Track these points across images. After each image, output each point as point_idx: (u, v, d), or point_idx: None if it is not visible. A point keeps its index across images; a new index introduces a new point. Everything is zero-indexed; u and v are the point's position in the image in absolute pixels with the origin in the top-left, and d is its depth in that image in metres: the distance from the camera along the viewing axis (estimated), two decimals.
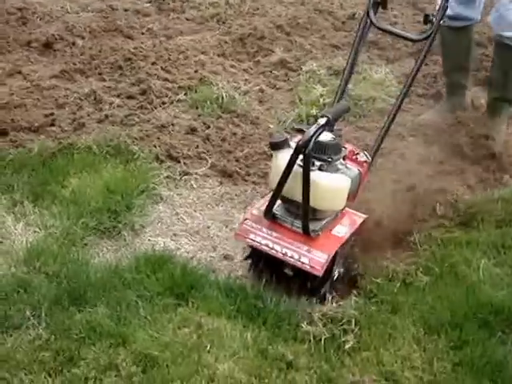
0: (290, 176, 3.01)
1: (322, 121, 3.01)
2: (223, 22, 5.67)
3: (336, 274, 3.22)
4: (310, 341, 2.94)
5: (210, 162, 4.06)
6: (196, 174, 3.98)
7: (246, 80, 4.87)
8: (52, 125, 4.22)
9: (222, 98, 4.54)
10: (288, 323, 3.02)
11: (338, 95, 3.53)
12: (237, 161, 4.09)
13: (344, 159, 3.28)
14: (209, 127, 4.32)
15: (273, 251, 3.14)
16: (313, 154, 3.02)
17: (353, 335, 2.97)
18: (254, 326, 2.99)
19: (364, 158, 3.37)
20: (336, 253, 3.14)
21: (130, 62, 4.92)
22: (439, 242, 3.49)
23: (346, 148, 3.31)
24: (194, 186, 3.92)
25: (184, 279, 3.16)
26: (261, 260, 3.29)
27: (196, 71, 4.87)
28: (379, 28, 3.64)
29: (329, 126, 3.05)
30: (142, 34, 5.42)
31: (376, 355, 2.91)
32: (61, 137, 4.11)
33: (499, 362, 2.89)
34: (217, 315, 3.02)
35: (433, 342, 2.98)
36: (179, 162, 4.03)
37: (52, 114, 4.31)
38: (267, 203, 3.16)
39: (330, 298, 3.18)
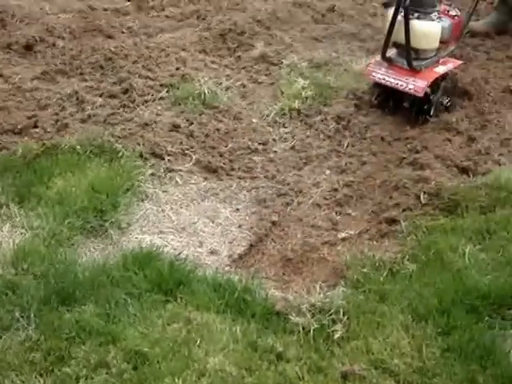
0: (396, 24, 4.16)
1: None
2: (203, 19, 5.66)
3: (440, 101, 4.39)
4: (299, 332, 2.96)
5: (194, 158, 4.07)
6: (180, 170, 3.99)
7: (227, 75, 4.87)
8: (35, 126, 4.21)
9: (204, 94, 4.54)
10: (277, 315, 3.04)
11: None
12: (221, 156, 4.10)
13: (438, 13, 4.36)
14: (192, 123, 4.32)
15: (388, 83, 4.34)
16: (412, 7, 4.15)
17: (341, 325, 2.98)
18: (243, 320, 3.00)
19: (455, 13, 4.47)
20: (434, 82, 4.29)
21: (111, 61, 4.91)
22: (424, 230, 3.50)
23: (441, 5, 4.43)
24: (179, 182, 3.92)
25: (172, 275, 3.17)
26: (384, 94, 4.49)
27: (177, 68, 4.87)
28: None
29: None
30: (123, 32, 5.41)
31: (365, 344, 2.92)
32: (44, 138, 4.10)
33: (487, 347, 2.90)
34: (205, 310, 3.03)
35: (421, 328, 2.99)
36: (163, 159, 4.03)
37: (35, 115, 4.30)
38: (382, 47, 4.33)
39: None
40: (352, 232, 3.60)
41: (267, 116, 4.48)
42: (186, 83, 4.67)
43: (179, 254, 3.41)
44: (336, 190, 3.90)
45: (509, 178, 3.82)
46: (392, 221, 3.63)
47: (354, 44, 5.36)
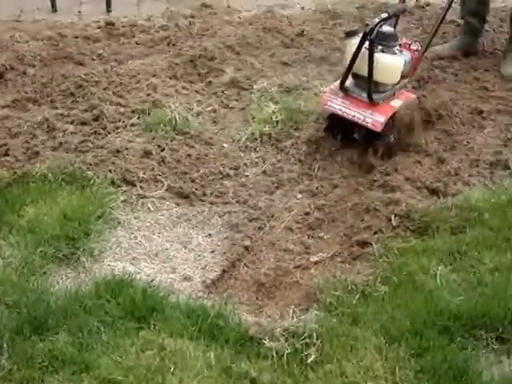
0: (359, 56, 4.10)
1: (384, 15, 4.12)
2: (173, 45, 5.68)
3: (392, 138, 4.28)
4: (272, 356, 2.96)
5: (166, 184, 4.07)
6: (152, 196, 3.99)
7: (198, 101, 4.89)
8: (6, 155, 4.20)
9: (176, 119, 4.56)
10: (250, 340, 3.04)
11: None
12: (193, 181, 4.11)
13: (400, 47, 4.33)
14: (163, 149, 4.33)
15: (345, 114, 4.23)
16: (376, 40, 4.09)
17: (315, 349, 3.00)
18: (217, 345, 3.01)
19: (416, 47, 4.42)
20: (392, 116, 4.20)
21: (81, 88, 4.90)
22: (396, 252, 3.53)
23: (401, 39, 4.37)
24: (151, 208, 3.92)
25: (145, 302, 3.17)
26: (337, 124, 4.37)
27: (148, 94, 4.88)
28: None
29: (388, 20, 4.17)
30: (93, 59, 5.41)
31: (339, 367, 2.93)
32: (15, 166, 4.09)
33: (460, 368, 2.92)
34: (179, 336, 3.02)
35: (394, 350, 3.01)
36: (135, 185, 4.03)
37: (5, 144, 4.29)
38: (341, 78, 4.25)
39: None
40: (324, 255, 3.62)
41: (238, 141, 4.50)
42: (157, 109, 4.68)
43: (152, 280, 3.41)
44: (308, 213, 3.92)
45: (478, 199, 3.87)
46: (364, 243, 3.65)
47: (324, 68, 5.39)
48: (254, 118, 4.70)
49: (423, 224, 3.70)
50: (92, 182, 3.97)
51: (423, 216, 3.72)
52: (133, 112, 4.68)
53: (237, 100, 4.97)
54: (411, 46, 4.43)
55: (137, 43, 5.75)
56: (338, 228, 3.82)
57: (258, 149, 4.45)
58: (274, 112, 4.64)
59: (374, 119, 4.15)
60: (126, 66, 5.30)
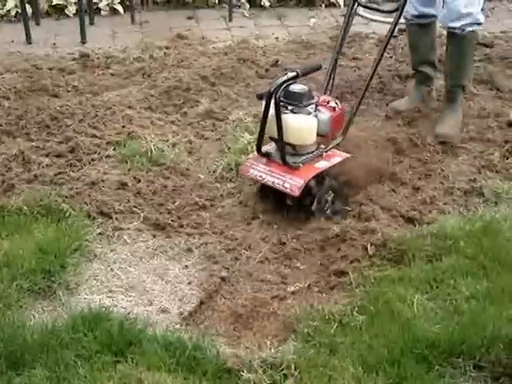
0: (270, 119, 3.86)
1: (291, 74, 3.91)
2: (148, 76, 5.70)
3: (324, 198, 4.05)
4: None
5: (142, 215, 4.07)
6: (129, 228, 3.98)
7: (174, 132, 4.90)
8: None
9: (151, 151, 4.57)
10: (228, 372, 3.03)
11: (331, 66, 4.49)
12: (169, 213, 4.11)
13: (317, 105, 4.08)
14: (139, 181, 4.33)
15: (265, 180, 4.01)
16: (286, 101, 3.94)
17: (293, 379, 2.99)
18: (195, 378, 2.99)
19: (334, 105, 4.18)
20: (313, 178, 3.96)
21: (56, 120, 4.90)
22: (373, 281, 3.54)
23: (318, 97, 4.13)
24: (128, 240, 3.92)
25: (122, 335, 3.15)
26: (268, 188, 4.07)
27: (124, 126, 4.89)
28: (360, 4, 4.61)
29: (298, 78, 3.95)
30: (68, 91, 5.41)
31: None
32: None
33: None
34: (157, 369, 3.00)
35: (372, 380, 3.00)
36: (111, 217, 4.03)
37: None
38: (256, 143, 4.03)
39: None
40: (301, 285, 3.62)
41: (214, 172, 4.51)
42: (132, 141, 4.69)
43: (129, 313, 3.39)
44: (284, 243, 3.92)
45: (454, 227, 3.89)
46: (340, 273, 3.66)
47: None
48: (229, 148, 4.71)
49: (399, 252, 3.71)
50: (68, 214, 3.96)
51: (399, 244, 3.73)
52: (108, 144, 4.68)
53: (212, 131, 4.99)
54: (330, 104, 4.19)
55: (112, 75, 5.76)
56: (315, 257, 3.83)
57: (233, 179, 4.45)
58: (249, 142, 4.64)
59: (293, 183, 3.92)
60: (102, 98, 5.31)
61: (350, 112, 4.43)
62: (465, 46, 4.80)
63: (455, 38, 4.76)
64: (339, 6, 7.33)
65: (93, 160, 4.52)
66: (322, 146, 4.14)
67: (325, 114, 4.10)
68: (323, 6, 7.39)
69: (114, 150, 4.62)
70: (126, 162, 4.50)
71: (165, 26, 6.79)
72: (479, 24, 4.75)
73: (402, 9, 4.40)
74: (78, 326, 3.21)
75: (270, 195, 4.16)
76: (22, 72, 5.66)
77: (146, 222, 4.04)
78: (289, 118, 3.94)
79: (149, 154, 4.55)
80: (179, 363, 3.05)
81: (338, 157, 4.14)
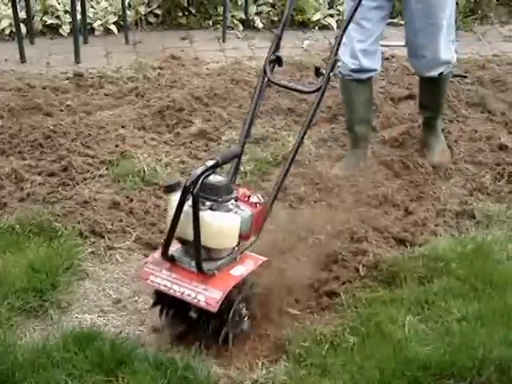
0: (182, 217, 3.13)
1: (210, 163, 3.18)
2: (142, 96, 5.71)
3: (237, 314, 3.31)
4: None
5: (134, 235, 4.07)
6: (121, 248, 3.99)
7: (166, 152, 4.90)
8: None
9: (144, 171, 4.58)
10: None
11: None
12: (161, 233, 4.10)
13: (236, 200, 3.35)
14: (132, 200, 4.33)
15: (171, 291, 3.21)
16: (202, 195, 3.16)
17: None
18: None
19: (256, 200, 3.44)
20: (232, 290, 3.20)
21: (50, 139, 4.91)
22: (364, 302, 3.54)
23: (238, 190, 3.43)
24: (120, 260, 3.92)
25: (113, 355, 3.14)
26: (167, 301, 3.35)
27: (117, 145, 4.90)
28: (273, 83, 3.84)
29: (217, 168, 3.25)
30: (61, 110, 5.42)
31: None
32: None
33: None
34: None
35: None
36: (103, 237, 4.03)
37: None
38: (163, 245, 3.26)
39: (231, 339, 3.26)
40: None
41: None
42: (125, 160, 4.70)
43: (120, 332, 3.38)
44: None
45: (445, 249, 3.90)
46: (332, 294, 3.65)
47: (291, 119, 5.44)
48: (222, 168, 4.70)
49: (391, 274, 3.72)
50: (60, 233, 3.97)
51: (391, 266, 3.74)
52: (101, 163, 4.69)
53: (205, 151, 5.00)
54: (251, 199, 3.44)
55: (105, 94, 5.77)
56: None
57: None
58: (242, 163, 4.64)
59: (209, 296, 3.14)
60: (95, 117, 5.31)
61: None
62: (442, 84, 4.77)
63: (432, 80, 4.71)
64: (332, 28, 7.36)
65: (85, 179, 4.53)
66: (236, 249, 3.35)
67: (246, 212, 3.35)
68: (316, 28, 7.42)
69: (107, 169, 4.63)
70: (119, 182, 4.51)
71: (158, 47, 6.81)
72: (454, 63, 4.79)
73: (324, 89, 3.60)
74: (69, 345, 3.19)
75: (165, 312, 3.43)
76: (15, 91, 5.66)
77: (138, 242, 4.04)
78: (208, 217, 3.17)
79: (141, 173, 4.56)
80: (170, 383, 3.04)
81: (252, 261, 3.37)
